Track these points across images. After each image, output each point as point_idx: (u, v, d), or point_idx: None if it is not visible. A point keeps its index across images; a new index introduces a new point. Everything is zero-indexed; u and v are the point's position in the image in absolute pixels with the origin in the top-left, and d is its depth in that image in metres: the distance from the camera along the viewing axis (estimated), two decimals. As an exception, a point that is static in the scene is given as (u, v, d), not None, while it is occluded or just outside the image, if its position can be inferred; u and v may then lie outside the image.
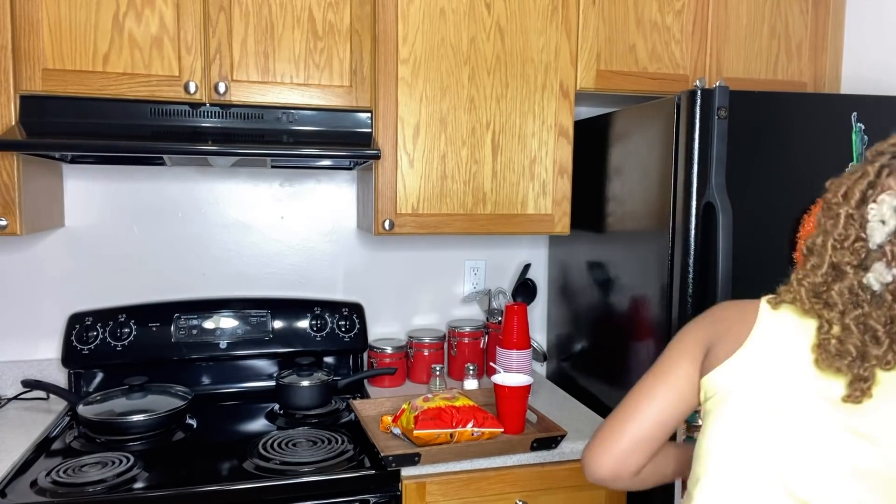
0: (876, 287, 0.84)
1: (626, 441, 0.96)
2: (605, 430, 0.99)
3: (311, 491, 1.41)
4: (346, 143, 1.70)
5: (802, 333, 0.88)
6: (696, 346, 0.95)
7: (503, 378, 1.61)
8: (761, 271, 1.48)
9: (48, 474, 1.39)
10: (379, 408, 1.74)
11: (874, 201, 0.85)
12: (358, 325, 2.01)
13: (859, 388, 0.82)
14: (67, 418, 1.72)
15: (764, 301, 0.94)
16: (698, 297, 1.46)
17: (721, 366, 0.91)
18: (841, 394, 0.84)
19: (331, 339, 1.97)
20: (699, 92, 1.43)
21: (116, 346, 1.82)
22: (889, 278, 0.83)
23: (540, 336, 2.25)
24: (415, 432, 1.48)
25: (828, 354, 0.84)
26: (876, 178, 0.86)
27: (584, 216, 1.92)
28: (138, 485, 1.37)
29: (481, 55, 1.78)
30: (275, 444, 1.56)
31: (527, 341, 1.89)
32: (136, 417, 1.61)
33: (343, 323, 1.99)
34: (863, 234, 0.86)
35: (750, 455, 0.87)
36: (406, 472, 1.47)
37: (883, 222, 0.84)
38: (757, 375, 0.88)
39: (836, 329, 0.84)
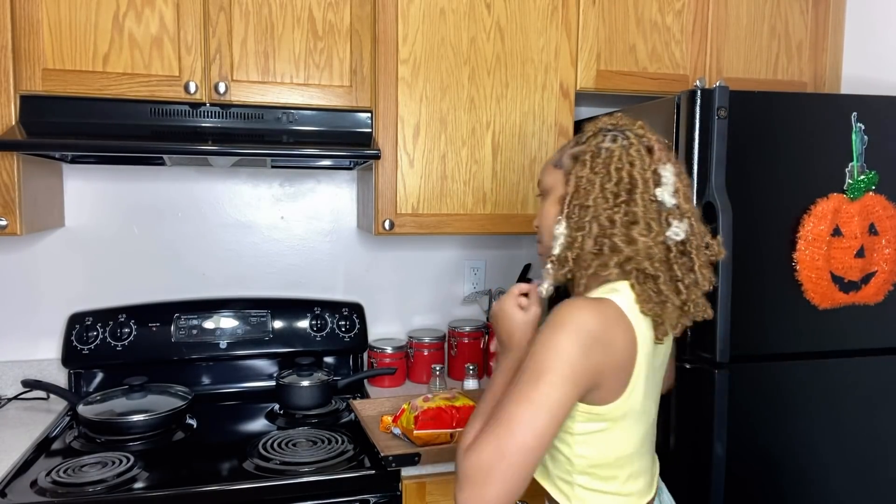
0: (678, 239, 1.04)
1: (524, 478, 0.92)
2: (504, 463, 0.90)
3: (311, 491, 1.41)
4: (346, 143, 1.70)
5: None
6: (586, 377, 0.95)
7: (503, 378, 1.61)
8: (761, 271, 1.48)
9: (48, 474, 1.39)
10: (379, 408, 1.74)
11: (663, 169, 1.05)
12: (358, 325, 2.01)
13: (663, 332, 1.03)
14: (67, 418, 1.72)
15: (633, 310, 1.02)
16: (698, 297, 1.45)
17: (622, 397, 1.00)
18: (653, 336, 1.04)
19: (331, 339, 1.97)
20: (699, 92, 1.43)
21: (116, 346, 1.82)
22: (684, 233, 1.04)
23: (540, 336, 2.24)
24: (415, 432, 1.48)
25: (647, 298, 1.01)
26: (647, 151, 1.06)
27: (584, 216, 1.92)
28: (138, 485, 1.37)
29: (481, 55, 1.78)
30: (275, 444, 1.56)
31: (527, 341, 1.89)
32: (136, 417, 1.61)
33: (343, 323, 1.99)
34: (656, 198, 1.04)
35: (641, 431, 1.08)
36: (406, 472, 1.47)
37: (670, 187, 1.04)
38: (643, 383, 1.03)
39: (650, 281, 1.03)
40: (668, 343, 1.12)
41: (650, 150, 1.07)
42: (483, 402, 1.07)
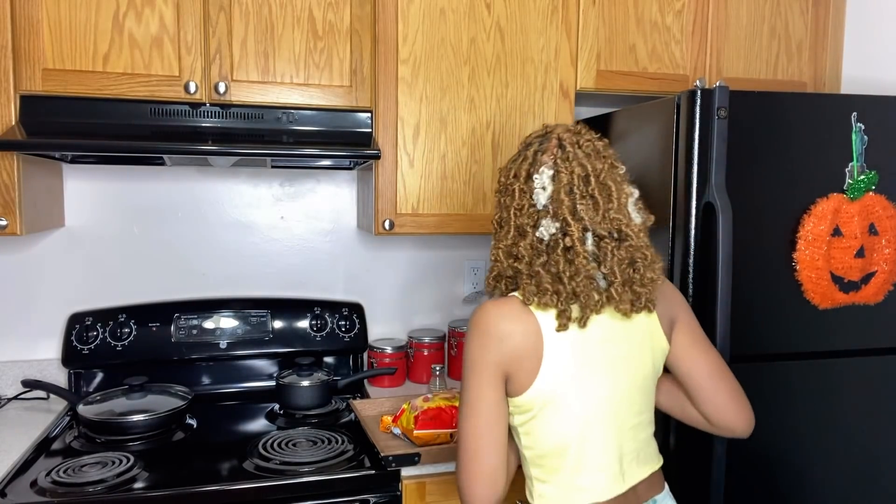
0: (546, 237, 1.08)
1: (487, 473, 1.06)
2: (464, 473, 1.06)
3: (311, 491, 1.41)
4: (346, 143, 1.70)
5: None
6: (496, 374, 1.06)
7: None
8: (761, 271, 1.48)
9: (48, 474, 1.39)
10: (379, 408, 1.74)
11: (536, 174, 1.10)
12: (358, 325, 2.01)
13: (565, 318, 1.05)
14: (67, 418, 1.72)
15: (530, 306, 1.08)
16: (698, 296, 1.46)
17: (534, 385, 1.06)
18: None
19: (331, 339, 1.97)
20: (699, 92, 1.43)
21: (116, 346, 1.82)
22: (553, 230, 1.07)
23: (540, 336, 2.24)
24: (415, 432, 1.48)
25: (530, 294, 1.06)
26: (533, 158, 1.12)
27: (584, 216, 1.91)
28: (138, 485, 1.37)
29: (481, 55, 1.78)
30: (275, 444, 1.56)
31: (527, 341, 1.89)
32: (136, 417, 1.61)
33: (343, 323, 1.99)
34: (532, 201, 1.10)
35: (581, 420, 1.09)
36: (406, 472, 1.47)
37: (544, 188, 1.09)
38: (562, 371, 1.07)
39: (525, 278, 1.08)
40: (624, 331, 1.11)
41: (544, 152, 1.12)
42: None
